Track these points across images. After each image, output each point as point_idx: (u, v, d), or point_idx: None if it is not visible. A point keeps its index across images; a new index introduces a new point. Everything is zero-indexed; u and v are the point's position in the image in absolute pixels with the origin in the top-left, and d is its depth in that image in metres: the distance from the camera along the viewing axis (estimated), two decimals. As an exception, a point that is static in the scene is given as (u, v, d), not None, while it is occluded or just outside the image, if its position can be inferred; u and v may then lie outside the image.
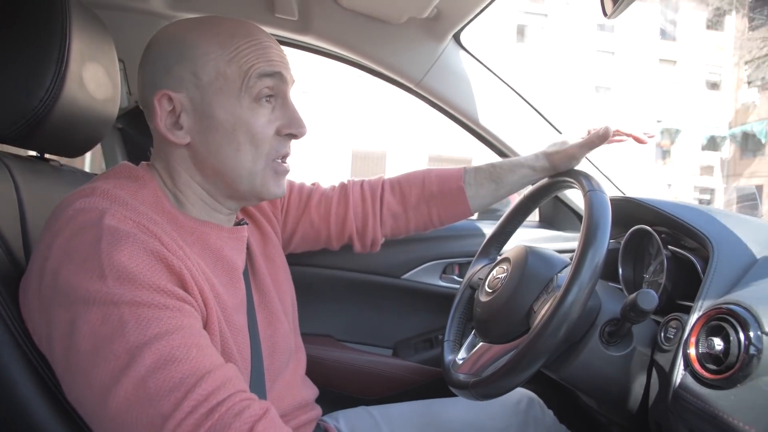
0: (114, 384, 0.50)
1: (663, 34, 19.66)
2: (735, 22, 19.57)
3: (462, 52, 1.21)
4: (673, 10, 19.46)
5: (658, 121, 18.65)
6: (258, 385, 0.70)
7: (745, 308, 0.60)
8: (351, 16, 1.14)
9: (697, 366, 0.62)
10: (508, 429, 0.95)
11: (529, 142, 1.22)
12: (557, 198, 1.30)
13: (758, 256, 0.76)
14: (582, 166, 0.98)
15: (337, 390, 1.20)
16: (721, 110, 19.82)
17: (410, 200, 0.95)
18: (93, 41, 0.75)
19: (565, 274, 0.71)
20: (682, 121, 19.23)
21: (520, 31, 17.87)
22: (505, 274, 0.81)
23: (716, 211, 0.86)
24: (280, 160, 0.70)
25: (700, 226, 0.81)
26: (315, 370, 0.92)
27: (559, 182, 0.90)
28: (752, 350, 0.57)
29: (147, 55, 0.67)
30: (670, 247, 0.85)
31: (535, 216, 1.43)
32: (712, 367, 0.61)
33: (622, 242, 0.95)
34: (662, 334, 0.74)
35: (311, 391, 0.87)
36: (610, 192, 1.16)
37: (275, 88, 0.68)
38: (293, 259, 0.93)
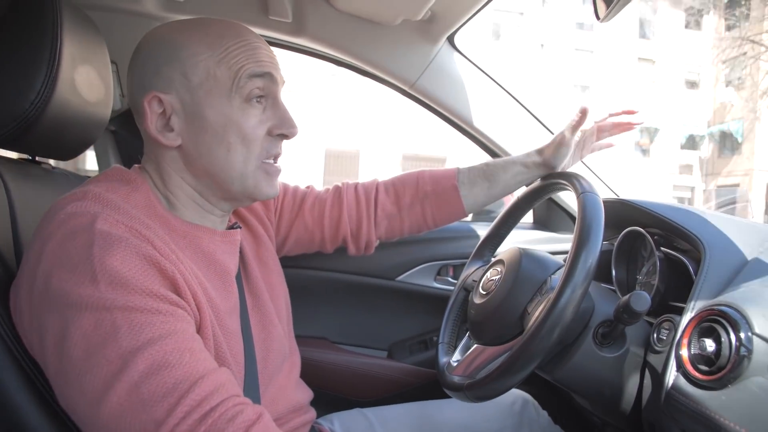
0: (107, 390, 0.50)
1: (642, 33, 19.67)
2: (712, 22, 19.64)
3: (456, 54, 1.21)
4: (652, 9, 19.51)
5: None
6: (252, 388, 0.69)
7: (736, 309, 0.60)
8: (345, 18, 1.14)
9: (689, 367, 0.63)
10: (502, 430, 0.95)
11: (523, 144, 1.22)
12: (551, 200, 1.30)
13: (749, 258, 0.76)
14: (576, 168, 0.99)
15: (332, 392, 1.19)
16: (699, 109, 19.86)
17: (404, 200, 0.95)
18: (85, 43, 0.74)
19: (559, 276, 0.71)
20: (661, 120, 19.21)
21: (495, 30, 17.69)
22: (499, 276, 0.81)
23: (708, 213, 0.87)
24: (272, 161, 0.70)
25: (693, 228, 0.81)
26: (310, 373, 0.92)
27: (552, 184, 0.90)
28: (743, 351, 0.57)
29: (136, 57, 0.67)
30: (662, 248, 0.86)
31: (529, 217, 1.44)
32: (703, 368, 0.61)
33: (616, 244, 0.96)
34: (655, 336, 0.75)
35: (306, 394, 0.86)
36: (604, 194, 1.16)
37: (265, 88, 0.68)
38: (287, 262, 0.93)
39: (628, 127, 0.95)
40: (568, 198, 1.28)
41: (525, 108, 1.24)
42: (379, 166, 15.38)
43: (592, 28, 19.09)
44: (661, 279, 0.82)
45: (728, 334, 0.59)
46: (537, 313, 0.70)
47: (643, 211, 0.91)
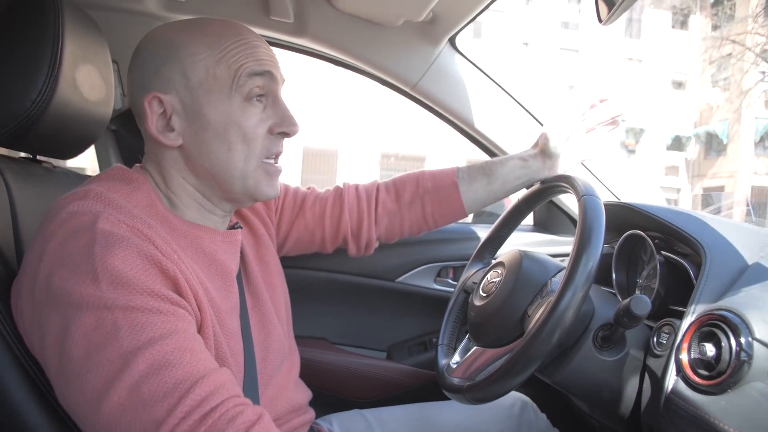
0: (107, 389, 0.50)
1: (628, 32, 19.50)
2: (698, 22, 19.53)
3: (457, 55, 1.21)
4: (639, 9, 19.34)
5: (623, 120, 18.65)
6: (251, 388, 0.69)
7: (736, 314, 0.60)
8: (347, 19, 1.14)
9: (688, 371, 0.63)
10: (501, 433, 0.95)
11: (525, 146, 1.22)
12: (552, 202, 1.30)
13: (750, 262, 0.76)
14: (577, 171, 0.99)
15: (331, 393, 1.19)
16: (686, 110, 19.73)
17: (405, 197, 0.95)
18: (86, 42, 0.74)
19: (560, 279, 0.71)
20: (647, 121, 19.04)
21: (477, 28, 17.42)
22: (499, 279, 0.81)
23: (709, 217, 0.87)
24: (273, 161, 0.71)
25: (693, 232, 0.81)
26: (309, 373, 0.92)
27: (553, 186, 0.90)
28: (743, 356, 0.57)
29: (136, 58, 0.67)
30: (663, 252, 0.85)
31: (529, 220, 1.44)
32: (703, 372, 0.61)
33: (616, 247, 0.96)
34: (655, 339, 0.74)
35: (305, 395, 0.86)
36: (604, 197, 1.16)
37: (265, 87, 0.68)
38: (287, 262, 0.93)
39: (613, 122, 0.96)
40: (568, 200, 1.28)
41: (527, 110, 1.24)
42: (358, 165, 15.35)
43: (578, 28, 18.94)
44: (661, 283, 0.82)
45: (728, 338, 0.59)
46: (537, 316, 0.70)
47: (643, 214, 0.91)
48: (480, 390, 0.72)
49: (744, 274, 0.73)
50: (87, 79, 0.74)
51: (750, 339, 0.58)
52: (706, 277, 0.73)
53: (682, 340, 0.65)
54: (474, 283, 0.92)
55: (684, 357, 0.64)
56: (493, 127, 1.23)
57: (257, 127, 0.67)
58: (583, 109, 0.95)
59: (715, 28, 18.45)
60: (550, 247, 1.31)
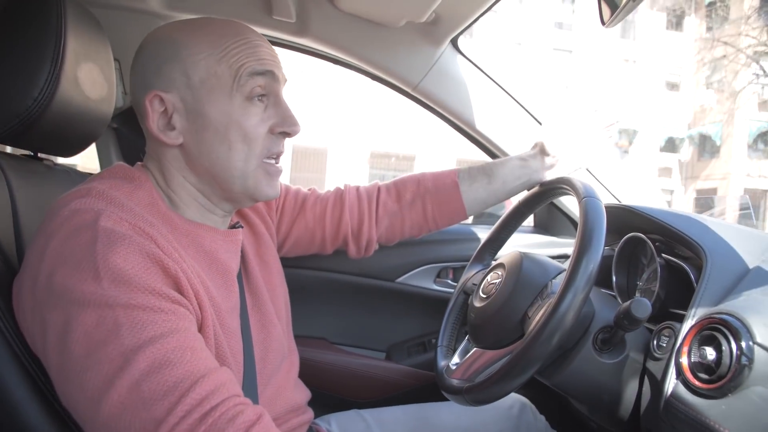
0: (107, 387, 0.50)
1: (623, 33, 19.26)
2: (693, 23, 19.36)
3: (459, 56, 1.21)
4: (633, 9, 19.19)
5: (616, 122, 18.39)
6: (250, 388, 0.69)
7: (737, 318, 0.60)
8: (349, 19, 1.14)
9: (689, 375, 0.62)
10: (500, 434, 0.95)
11: (527, 147, 1.22)
12: (552, 204, 1.30)
13: (751, 266, 0.76)
14: (578, 173, 0.99)
15: (330, 393, 1.19)
16: (680, 111, 19.50)
17: (406, 197, 0.95)
18: (88, 40, 0.74)
19: (560, 281, 0.71)
20: (640, 122, 18.79)
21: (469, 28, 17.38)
22: (499, 280, 0.81)
23: (710, 220, 0.87)
24: (273, 161, 0.71)
25: (694, 235, 0.81)
26: (308, 373, 0.92)
27: (554, 188, 0.90)
28: (744, 360, 0.57)
29: (138, 56, 0.67)
30: (663, 255, 0.85)
31: (529, 221, 1.44)
32: (703, 376, 0.61)
33: (616, 249, 0.96)
34: (655, 342, 0.74)
35: (304, 395, 0.86)
36: (605, 199, 1.16)
37: (267, 86, 0.68)
38: (287, 262, 0.93)
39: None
40: (569, 202, 1.28)
41: (528, 112, 1.24)
42: (347, 163, 15.29)
43: (571, 28, 18.75)
44: (661, 285, 0.82)
45: (729, 342, 0.59)
46: (538, 318, 0.70)
47: (644, 217, 0.91)
48: (479, 391, 0.72)
49: (745, 278, 0.73)
50: (89, 77, 0.74)
51: (751, 343, 0.58)
52: (706, 281, 0.73)
53: (682, 344, 0.65)
54: (474, 284, 0.92)
55: (684, 360, 0.64)
56: (495, 128, 1.23)
57: (258, 126, 0.67)
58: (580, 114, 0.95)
59: (709, 29, 18.32)
60: (550, 249, 1.31)
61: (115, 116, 1.25)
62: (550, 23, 18.68)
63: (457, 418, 0.96)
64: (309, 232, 0.94)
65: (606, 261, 0.93)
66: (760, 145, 18.51)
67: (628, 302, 0.67)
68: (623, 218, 0.97)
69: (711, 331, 0.63)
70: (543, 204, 0.97)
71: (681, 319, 0.72)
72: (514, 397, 1.01)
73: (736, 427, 0.55)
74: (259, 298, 0.79)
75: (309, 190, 0.97)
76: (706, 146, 19.34)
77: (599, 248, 0.68)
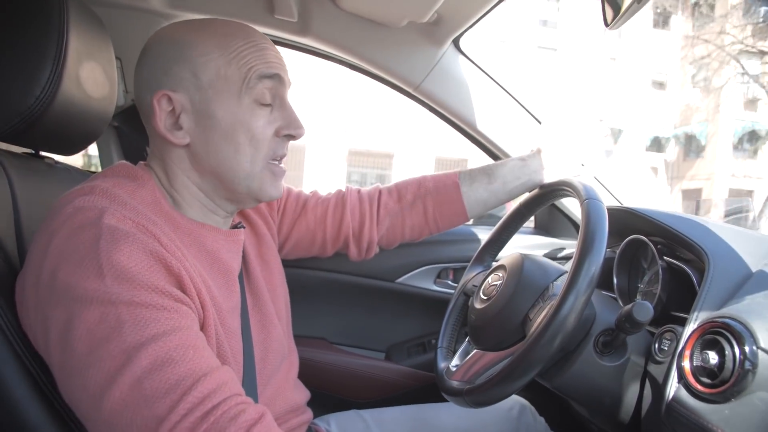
0: (109, 385, 0.50)
1: (608, 31, 19.05)
2: (679, 22, 19.13)
3: (461, 57, 1.21)
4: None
5: (600, 120, 18.22)
6: (250, 388, 0.69)
7: (740, 322, 0.60)
8: (351, 19, 1.14)
9: (691, 379, 0.62)
10: (499, 436, 0.95)
11: (527, 148, 1.22)
12: (553, 205, 1.30)
13: (754, 270, 0.76)
14: (579, 175, 0.99)
15: (329, 393, 1.19)
16: (666, 110, 19.29)
17: (407, 198, 0.96)
18: (90, 39, 0.74)
19: (561, 283, 0.70)
20: (625, 121, 18.57)
21: None
22: (500, 282, 0.81)
23: (712, 223, 0.87)
24: (277, 162, 0.71)
25: (696, 238, 0.81)
26: (308, 373, 0.92)
27: (556, 190, 0.90)
28: (747, 365, 0.57)
29: (144, 56, 0.67)
30: (665, 258, 0.85)
31: (530, 223, 1.43)
32: (706, 380, 0.61)
33: (618, 252, 0.95)
34: (656, 346, 0.74)
35: (303, 395, 0.86)
36: (607, 201, 1.16)
37: (273, 89, 0.68)
38: (288, 261, 0.93)
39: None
40: (570, 204, 1.28)
41: (530, 113, 1.24)
42: (325, 161, 15.24)
43: (556, 26, 18.51)
44: (663, 288, 0.81)
45: (732, 347, 0.59)
46: (539, 320, 0.70)
47: (646, 219, 0.91)
48: (480, 393, 0.71)
49: (748, 282, 0.73)
50: (90, 76, 0.74)
51: (755, 348, 0.57)
52: (709, 284, 0.73)
53: (684, 347, 0.65)
54: (474, 285, 0.92)
55: (686, 364, 0.64)
56: (497, 129, 1.23)
57: (265, 129, 0.67)
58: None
59: (695, 28, 18.21)
60: (551, 251, 1.31)
61: (115, 115, 1.25)
62: (535, 21, 18.45)
63: (456, 419, 0.96)
64: (310, 233, 0.94)
65: (607, 263, 0.93)
66: (746, 145, 18.37)
67: (630, 305, 0.67)
68: (624, 220, 0.96)
69: (713, 335, 0.62)
70: (544, 205, 0.96)
71: (683, 322, 0.72)
72: (514, 398, 1.01)
73: None
74: (260, 299, 0.79)
75: (310, 192, 0.97)
76: (692, 146, 19.19)
77: (601, 251, 0.68)
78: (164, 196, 0.67)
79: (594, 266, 0.66)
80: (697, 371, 0.62)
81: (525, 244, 1.32)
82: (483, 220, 1.47)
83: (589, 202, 0.74)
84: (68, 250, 0.54)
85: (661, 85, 19.81)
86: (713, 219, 0.93)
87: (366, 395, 1.21)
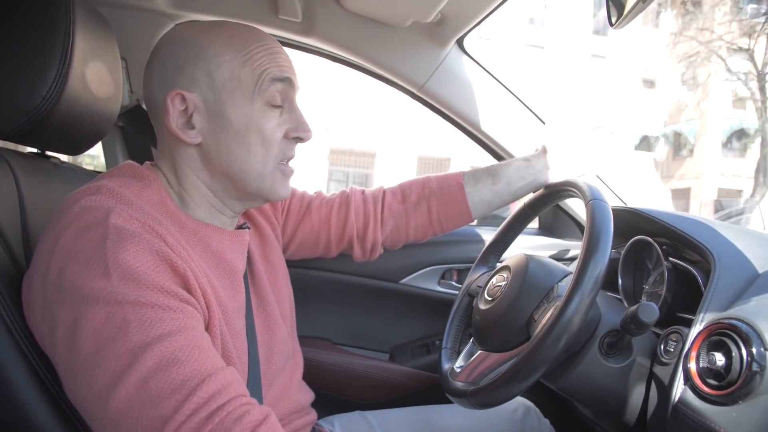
0: (115, 384, 0.50)
1: (596, 29, 18.53)
2: (669, 20, 18.69)
3: (465, 57, 1.21)
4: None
5: (598, 127, 17.97)
6: (255, 389, 0.69)
7: (747, 323, 0.59)
8: (355, 19, 1.14)
9: (697, 381, 0.62)
10: (504, 437, 0.95)
11: (532, 148, 1.22)
12: (557, 206, 1.29)
13: (761, 271, 0.75)
14: (582, 175, 0.98)
15: (333, 394, 1.19)
16: (655, 109, 18.95)
17: (411, 198, 0.96)
18: (96, 39, 0.74)
19: (566, 284, 0.70)
20: (615, 119, 18.15)
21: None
22: (505, 282, 0.81)
23: (718, 223, 0.86)
24: (285, 162, 0.71)
25: (702, 239, 0.80)
26: (311, 374, 0.92)
27: (560, 191, 0.89)
28: (755, 367, 0.56)
29: (157, 55, 0.68)
30: (671, 258, 0.85)
31: (534, 223, 1.43)
32: (713, 382, 0.60)
33: (623, 252, 0.95)
34: (662, 347, 0.74)
35: (307, 396, 0.86)
36: (612, 202, 1.15)
37: (284, 92, 0.69)
38: (292, 262, 0.93)
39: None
40: (574, 204, 1.28)
41: (534, 113, 1.23)
42: (306, 160, 15.18)
43: (544, 24, 18.26)
44: (668, 289, 0.81)
45: (739, 348, 0.58)
46: (544, 321, 0.70)
47: (651, 220, 0.90)
48: (484, 395, 0.71)
49: (755, 283, 0.72)
50: (96, 76, 0.74)
51: (762, 350, 0.57)
52: (715, 285, 0.72)
53: (690, 349, 0.65)
54: (479, 286, 0.92)
55: (692, 366, 0.63)
56: (501, 130, 1.22)
57: (276, 131, 0.68)
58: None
59: (684, 26, 18.02)
60: (556, 251, 1.30)
61: (120, 115, 1.25)
62: (522, 19, 18.19)
63: (460, 420, 0.95)
64: (314, 233, 0.94)
65: (612, 264, 0.93)
66: (735, 144, 18.12)
67: (636, 306, 0.67)
68: (629, 221, 0.96)
69: (720, 337, 0.62)
70: (549, 206, 0.96)
71: (689, 323, 0.71)
72: (518, 400, 1.01)
73: None
74: (265, 299, 0.79)
75: (315, 192, 0.98)
76: (681, 145, 18.93)
77: (606, 251, 0.67)
78: (170, 196, 0.67)
79: (599, 267, 0.66)
80: (703, 373, 0.62)
81: (529, 244, 1.32)
82: (487, 220, 1.47)
83: (593, 203, 0.73)
84: (75, 249, 0.54)
85: (650, 84, 19.54)
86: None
87: (370, 396, 1.21)
